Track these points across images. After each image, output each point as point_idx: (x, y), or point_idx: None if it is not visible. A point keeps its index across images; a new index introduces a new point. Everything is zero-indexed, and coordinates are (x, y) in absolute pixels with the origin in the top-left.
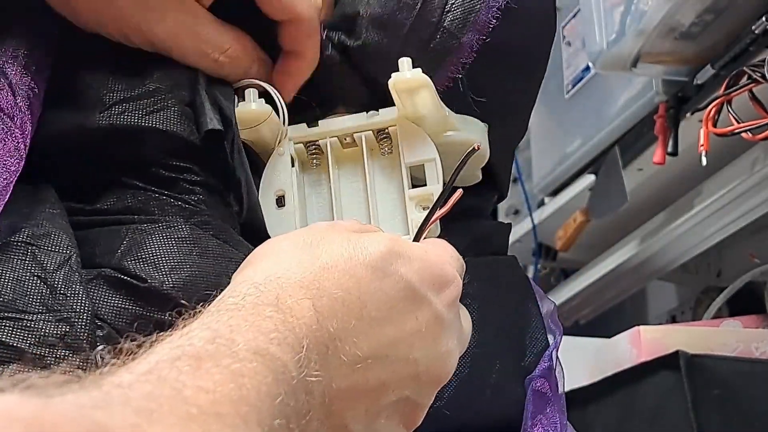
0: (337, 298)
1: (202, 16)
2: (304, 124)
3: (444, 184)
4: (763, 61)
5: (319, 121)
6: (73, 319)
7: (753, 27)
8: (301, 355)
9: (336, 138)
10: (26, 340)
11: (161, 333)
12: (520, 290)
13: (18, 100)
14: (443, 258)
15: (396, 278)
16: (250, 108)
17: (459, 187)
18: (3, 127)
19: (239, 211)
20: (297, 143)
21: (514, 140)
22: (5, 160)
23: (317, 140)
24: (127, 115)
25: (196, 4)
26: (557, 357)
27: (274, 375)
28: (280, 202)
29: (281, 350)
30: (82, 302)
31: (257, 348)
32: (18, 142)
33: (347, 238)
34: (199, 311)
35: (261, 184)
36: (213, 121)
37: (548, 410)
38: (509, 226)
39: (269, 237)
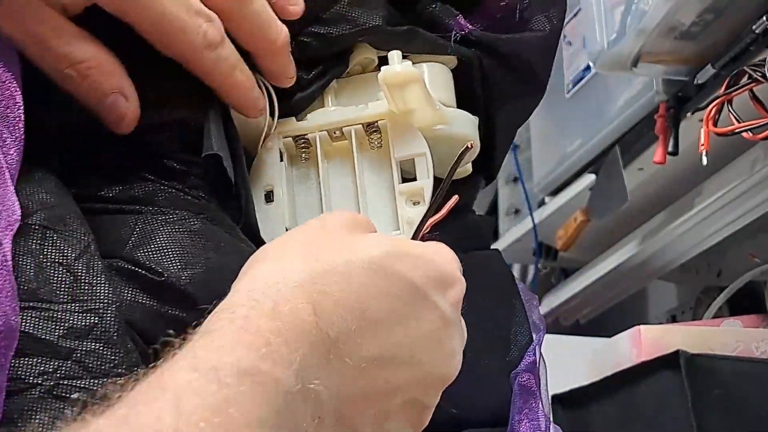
0: (337, 301)
1: (59, 28)
2: (293, 118)
3: (434, 179)
4: (764, 60)
5: (308, 115)
6: (100, 311)
7: (753, 26)
8: (296, 366)
9: (325, 132)
10: (54, 331)
11: (147, 368)
12: (505, 285)
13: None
14: (447, 257)
15: (398, 279)
16: None
17: (454, 181)
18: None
19: (238, 221)
20: (285, 137)
21: (522, 119)
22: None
23: (306, 134)
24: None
25: (55, 14)
26: (541, 352)
27: (265, 394)
28: (269, 197)
29: (273, 365)
30: (107, 292)
31: (246, 368)
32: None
33: (345, 239)
34: (194, 331)
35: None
36: (213, 146)
37: (534, 404)
38: (494, 219)
39: (264, 243)
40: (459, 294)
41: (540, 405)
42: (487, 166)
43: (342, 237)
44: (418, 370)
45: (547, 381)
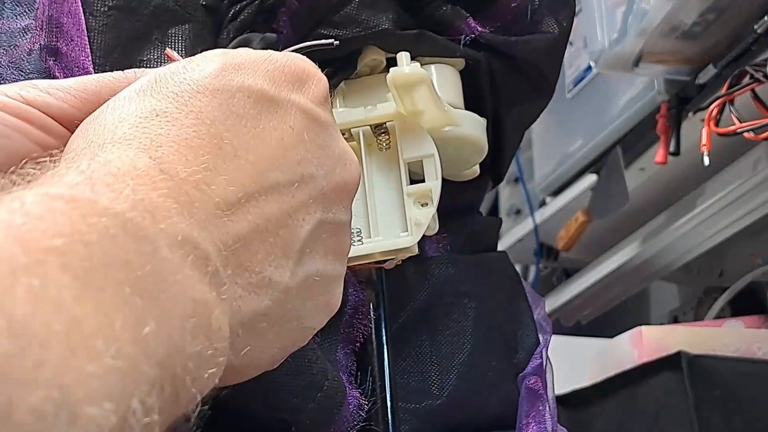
0: (178, 140)
1: None
2: None
3: (443, 180)
4: (766, 60)
5: None
6: None
7: (755, 26)
8: (142, 206)
9: None
10: None
11: None
12: (512, 287)
13: None
14: (294, 56)
15: (244, 92)
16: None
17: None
18: None
19: None
20: None
21: (530, 121)
22: None
23: None
24: None
25: None
26: (547, 355)
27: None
28: None
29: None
30: None
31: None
32: None
33: (172, 68)
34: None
35: None
36: None
37: (541, 407)
38: (500, 221)
39: None
40: (322, 89)
41: (547, 408)
42: (494, 167)
43: (166, 69)
44: (310, 186)
45: (553, 383)
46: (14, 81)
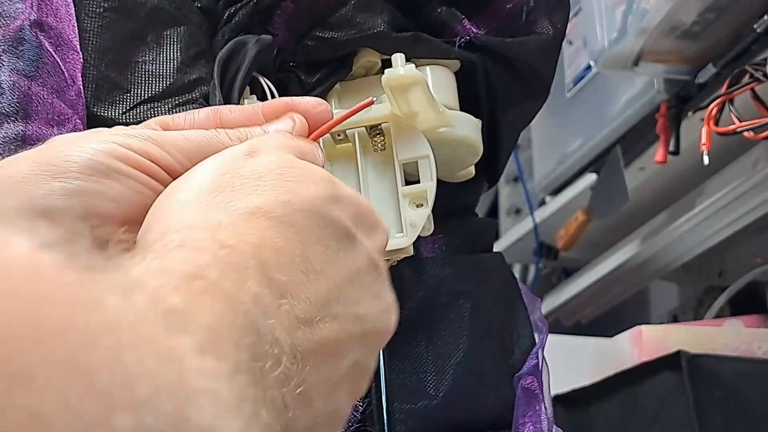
0: (280, 248)
1: None
2: None
3: (438, 181)
4: (765, 59)
5: None
6: None
7: (755, 25)
8: (249, 295)
9: (329, 134)
10: None
11: None
12: (508, 288)
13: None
14: (369, 203)
15: (335, 224)
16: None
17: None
18: None
19: None
20: None
21: (526, 122)
22: None
23: None
24: (155, 111)
25: None
26: (543, 355)
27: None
28: None
29: (231, 284)
30: None
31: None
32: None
33: (283, 163)
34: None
35: None
36: None
37: (537, 407)
38: (496, 222)
39: None
40: (384, 240)
41: (543, 408)
42: (490, 168)
43: (273, 173)
44: (360, 326)
45: (549, 383)
46: (8, 55)
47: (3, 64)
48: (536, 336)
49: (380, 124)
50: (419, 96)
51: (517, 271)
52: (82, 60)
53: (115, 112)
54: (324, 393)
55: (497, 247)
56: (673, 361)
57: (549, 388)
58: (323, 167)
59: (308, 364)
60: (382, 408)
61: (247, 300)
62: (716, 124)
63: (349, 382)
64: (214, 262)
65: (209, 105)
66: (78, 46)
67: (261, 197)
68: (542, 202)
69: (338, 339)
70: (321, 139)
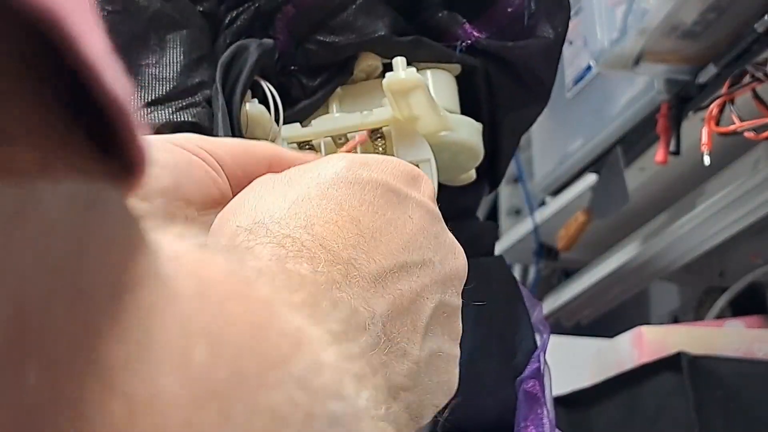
0: (328, 221)
1: None
2: (298, 124)
3: (439, 185)
4: (766, 59)
5: (313, 121)
6: None
7: (756, 25)
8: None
9: (330, 138)
10: None
11: None
12: (508, 291)
13: None
14: (402, 160)
15: (372, 184)
16: (244, 110)
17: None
18: None
19: None
20: (291, 143)
21: (527, 126)
22: None
23: (311, 140)
24: (158, 114)
25: None
26: (545, 358)
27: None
28: None
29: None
30: None
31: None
32: None
33: (304, 166)
34: None
35: None
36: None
37: (539, 411)
38: (497, 225)
39: None
40: (430, 188)
41: (545, 411)
42: (491, 172)
43: (296, 170)
44: (431, 270)
45: (551, 386)
46: None
47: None
48: (537, 339)
49: (381, 128)
50: (420, 100)
51: (517, 272)
52: None
53: None
54: (416, 340)
55: (497, 248)
56: (673, 362)
57: (551, 392)
58: None
59: (390, 319)
60: None
61: (323, 281)
62: (717, 124)
63: (440, 323)
64: (286, 254)
65: (212, 108)
66: None
67: (304, 189)
68: (542, 203)
69: (411, 288)
70: (322, 143)
